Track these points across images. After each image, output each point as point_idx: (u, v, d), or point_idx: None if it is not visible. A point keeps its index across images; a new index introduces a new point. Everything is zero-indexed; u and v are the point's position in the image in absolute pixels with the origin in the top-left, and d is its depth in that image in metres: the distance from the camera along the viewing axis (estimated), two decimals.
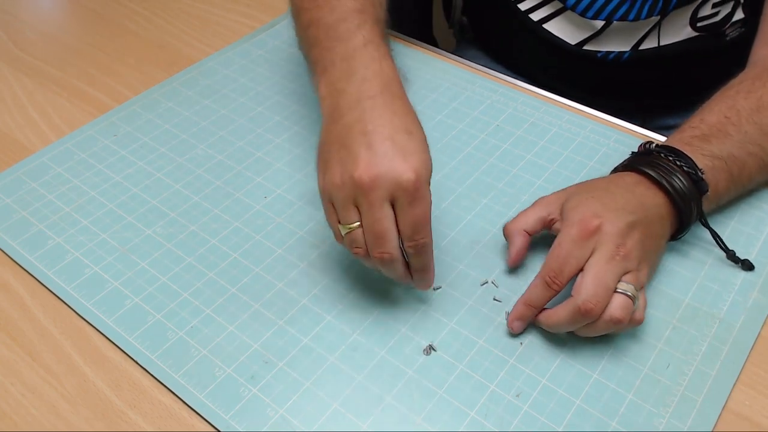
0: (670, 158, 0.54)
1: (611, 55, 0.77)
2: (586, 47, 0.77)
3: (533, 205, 0.56)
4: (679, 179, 0.53)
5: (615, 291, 0.48)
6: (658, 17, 0.73)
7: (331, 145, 0.49)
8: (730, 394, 0.49)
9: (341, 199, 0.48)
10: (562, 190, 0.56)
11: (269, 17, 0.87)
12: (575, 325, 0.49)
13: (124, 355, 0.52)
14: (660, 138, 0.69)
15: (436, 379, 0.50)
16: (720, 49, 0.77)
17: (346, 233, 0.49)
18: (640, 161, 0.55)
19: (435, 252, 0.58)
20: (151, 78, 0.78)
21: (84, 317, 0.54)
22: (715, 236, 0.56)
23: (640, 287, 0.49)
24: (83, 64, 0.81)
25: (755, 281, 0.55)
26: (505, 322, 0.53)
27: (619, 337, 0.52)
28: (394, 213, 0.47)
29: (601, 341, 0.51)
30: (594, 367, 0.50)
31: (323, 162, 0.50)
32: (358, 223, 0.48)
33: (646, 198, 0.53)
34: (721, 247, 0.56)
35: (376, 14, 0.57)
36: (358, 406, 0.49)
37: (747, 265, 0.56)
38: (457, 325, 0.53)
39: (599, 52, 0.77)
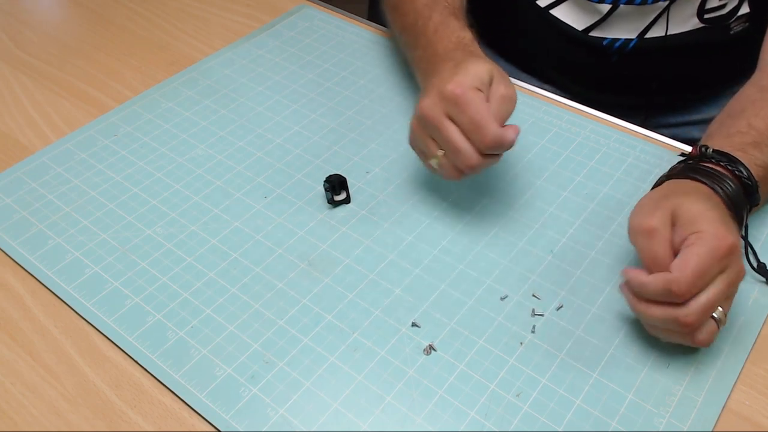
0: (729, 167, 0.52)
1: (617, 43, 0.76)
2: (592, 33, 0.77)
3: (641, 214, 0.50)
4: (730, 186, 0.51)
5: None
6: (666, 2, 0.72)
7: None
8: (730, 394, 0.49)
9: (420, 138, 0.57)
10: (654, 199, 0.51)
11: (269, 17, 0.87)
12: (662, 326, 0.48)
13: (124, 355, 0.52)
14: (660, 138, 0.69)
15: (436, 379, 0.50)
16: (724, 44, 0.77)
17: (437, 163, 0.57)
18: (701, 171, 0.52)
19: (434, 252, 0.58)
20: (151, 78, 0.78)
21: (84, 317, 0.54)
22: (751, 249, 0.55)
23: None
24: (83, 64, 0.81)
25: (755, 281, 0.55)
26: (505, 322, 0.53)
27: (619, 337, 0.52)
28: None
29: (600, 341, 0.51)
30: (594, 367, 0.50)
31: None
32: (442, 151, 0.56)
33: (716, 202, 0.51)
34: (754, 264, 0.55)
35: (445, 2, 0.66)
36: (358, 406, 0.49)
37: None
38: (457, 325, 0.53)
39: (605, 39, 0.77)
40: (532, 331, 0.52)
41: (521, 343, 0.52)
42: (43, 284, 0.57)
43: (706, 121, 0.84)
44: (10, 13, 0.90)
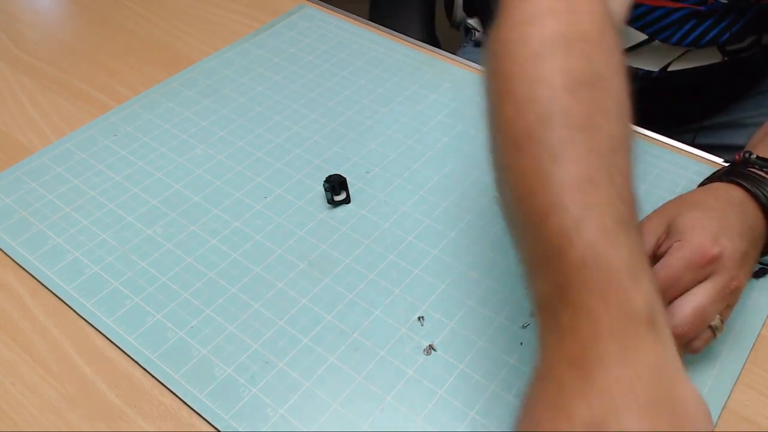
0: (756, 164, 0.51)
1: (640, 72, 0.77)
2: None
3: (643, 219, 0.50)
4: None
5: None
6: (694, 47, 0.73)
7: None
8: (730, 394, 0.49)
9: None
10: (664, 207, 0.51)
11: (269, 17, 0.87)
12: None
13: (124, 355, 0.52)
14: (662, 139, 0.69)
15: (436, 379, 0.50)
16: (744, 68, 0.78)
17: None
18: (744, 175, 0.51)
19: (433, 252, 0.58)
20: (151, 78, 0.78)
21: (84, 317, 0.54)
22: None
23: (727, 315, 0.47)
24: (83, 64, 0.81)
25: (755, 281, 0.55)
26: (505, 322, 0.53)
27: None
28: None
29: None
30: None
31: None
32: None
33: (755, 220, 0.49)
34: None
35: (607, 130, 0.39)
36: (358, 406, 0.49)
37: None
38: (457, 324, 0.53)
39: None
40: (523, 326, 0.52)
41: (521, 343, 0.52)
42: (43, 284, 0.57)
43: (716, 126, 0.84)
44: (10, 13, 0.90)
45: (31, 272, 0.58)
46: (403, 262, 0.58)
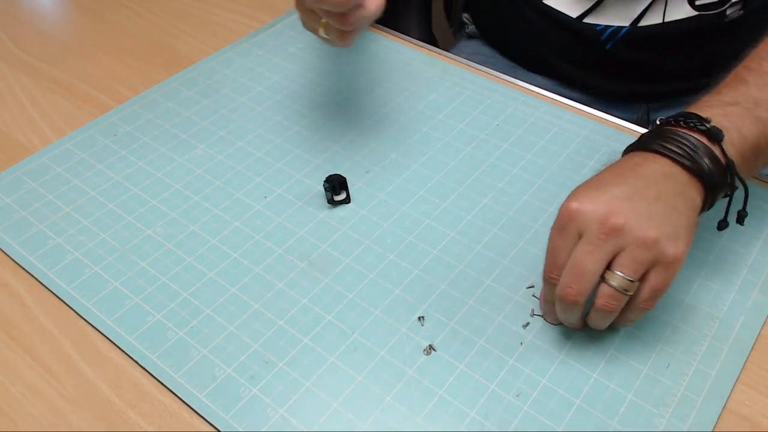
0: (665, 121, 0.51)
1: (609, 30, 0.77)
2: (586, 20, 0.77)
3: None
4: (680, 137, 0.48)
5: (608, 277, 0.46)
6: None
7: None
8: (730, 394, 0.49)
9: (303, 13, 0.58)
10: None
11: (269, 17, 0.87)
12: (570, 314, 0.49)
13: (124, 355, 0.52)
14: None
15: (436, 379, 0.50)
16: (719, 30, 0.76)
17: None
18: (641, 138, 0.52)
19: (433, 252, 0.58)
20: (151, 78, 0.78)
21: (84, 317, 0.54)
22: (745, 200, 0.51)
23: (641, 267, 0.45)
24: (83, 64, 0.81)
25: (755, 281, 0.55)
26: (505, 322, 0.53)
27: (619, 336, 0.52)
28: None
29: (600, 341, 0.51)
30: (594, 367, 0.50)
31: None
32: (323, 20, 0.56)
33: (641, 165, 0.49)
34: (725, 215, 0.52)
35: None
36: (358, 406, 0.49)
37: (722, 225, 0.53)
38: (457, 325, 0.53)
39: (598, 25, 0.77)
40: (524, 326, 0.52)
41: (521, 343, 0.52)
42: (43, 284, 0.57)
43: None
44: (10, 13, 0.90)
45: (31, 272, 0.58)
46: (403, 262, 0.58)
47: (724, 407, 0.48)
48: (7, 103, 0.75)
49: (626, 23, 0.76)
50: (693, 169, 0.48)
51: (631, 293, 0.46)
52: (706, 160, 0.48)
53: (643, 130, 0.69)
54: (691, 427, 0.47)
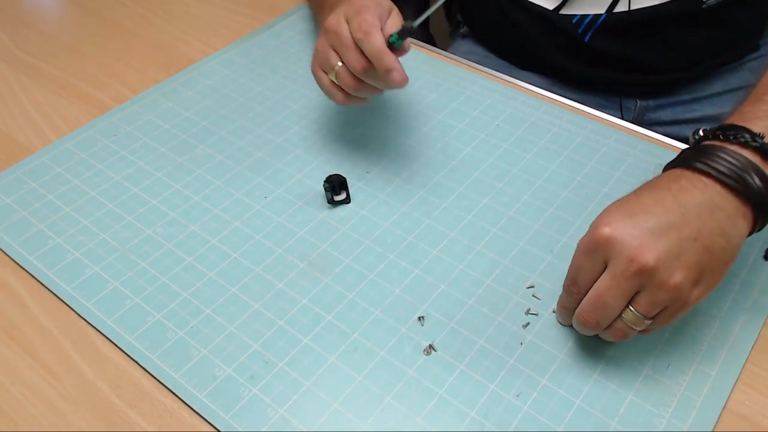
0: (712, 135, 0.47)
1: (587, 20, 0.76)
2: (562, 11, 0.77)
3: None
4: (728, 155, 0.44)
5: (623, 311, 0.45)
6: None
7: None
8: (730, 394, 0.49)
9: (323, 53, 0.58)
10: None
11: (269, 17, 0.87)
12: (585, 332, 0.49)
13: (124, 355, 0.52)
14: (660, 138, 0.69)
15: (436, 379, 0.50)
16: (697, 18, 0.76)
17: (335, 75, 0.58)
18: (683, 154, 0.48)
19: (433, 252, 0.58)
20: (151, 78, 0.78)
21: (84, 317, 0.54)
22: None
23: (657, 308, 0.44)
24: (83, 64, 0.81)
25: (755, 281, 0.55)
26: (505, 322, 0.53)
27: None
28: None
29: (600, 342, 0.51)
30: (594, 367, 0.50)
31: (325, 26, 0.58)
32: (339, 62, 0.57)
33: (685, 192, 0.45)
34: None
35: None
36: (358, 406, 0.49)
37: None
38: (457, 325, 0.53)
39: (575, 16, 0.77)
40: (524, 326, 0.52)
41: (521, 343, 0.52)
42: (43, 284, 0.57)
43: (699, 120, 0.83)
44: (10, 13, 0.90)
45: (31, 272, 0.58)
46: (403, 262, 0.58)
47: (724, 407, 0.48)
48: (7, 103, 0.75)
49: (602, 10, 0.76)
50: (741, 191, 0.44)
51: (641, 329, 0.46)
52: (757, 180, 0.44)
53: (642, 130, 0.70)
54: (691, 427, 0.47)
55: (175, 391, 0.50)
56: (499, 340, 0.52)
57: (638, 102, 0.84)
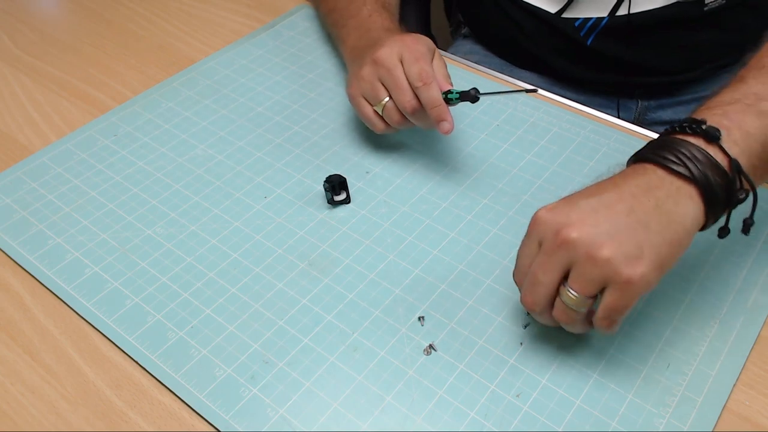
0: (666, 131, 0.49)
1: (589, 23, 0.77)
2: (564, 15, 0.77)
3: None
4: (675, 143, 0.45)
5: (561, 293, 0.45)
6: None
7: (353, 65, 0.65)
8: (730, 394, 0.49)
9: (370, 84, 0.62)
10: None
11: (269, 17, 0.87)
12: (538, 319, 0.49)
13: (124, 355, 0.52)
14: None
15: (436, 379, 0.50)
16: (700, 21, 0.76)
17: (382, 108, 0.62)
18: (637, 151, 0.49)
19: (433, 252, 0.58)
20: (151, 78, 0.78)
21: (84, 317, 0.54)
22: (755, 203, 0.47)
23: (591, 284, 0.43)
24: (83, 64, 0.81)
25: (755, 281, 0.55)
26: (505, 322, 0.53)
27: (619, 336, 0.52)
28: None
29: (600, 341, 0.51)
30: (594, 368, 0.50)
31: (350, 78, 0.65)
32: (388, 98, 0.61)
33: (628, 177, 0.46)
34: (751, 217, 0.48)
35: None
36: (358, 406, 0.49)
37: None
38: (457, 325, 0.53)
39: (577, 19, 0.77)
40: (524, 326, 0.52)
41: (521, 344, 0.52)
42: (43, 284, 0.57)
43: None
44: (10, 13, 0.90)
45: (31, 272, 0.58)
46: (403, 262, 0.58)
47: (724, 407, 0.48)
48: (7, 103, 0.75)
49: (604, 14, 0.76)
50: (683, 173, 0.45)
51: (583, 310, 0.45)
52: (698, 163, 0.45)
53: (641, 130, 0.70)
54: (691, 427, 0.47)
55: (174, 391, 0.50)
56: (499, 340, 0.52)
57: (639, 102, 0.84)
